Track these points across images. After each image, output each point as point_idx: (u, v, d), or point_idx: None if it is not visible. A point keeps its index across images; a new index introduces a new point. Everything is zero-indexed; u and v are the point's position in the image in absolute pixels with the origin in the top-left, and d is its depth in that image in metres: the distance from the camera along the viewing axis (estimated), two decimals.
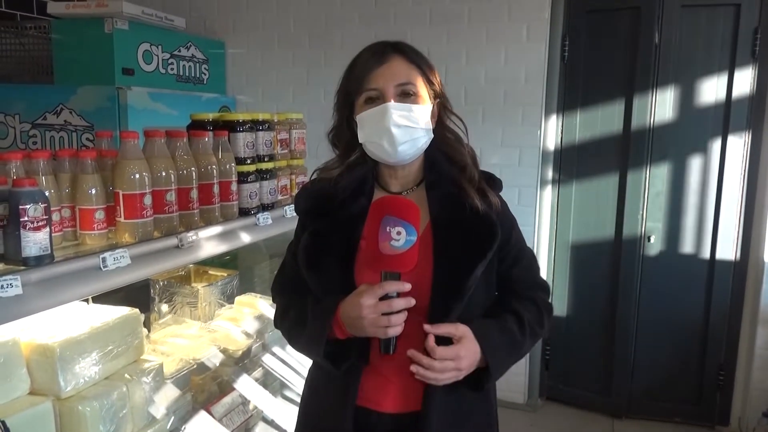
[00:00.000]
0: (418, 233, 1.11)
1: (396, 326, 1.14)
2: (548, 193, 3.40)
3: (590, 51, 3.27)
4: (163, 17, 3.19)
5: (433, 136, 1.28)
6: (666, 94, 3.14)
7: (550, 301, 1.40)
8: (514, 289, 1.34)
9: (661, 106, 3.15)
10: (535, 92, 3.26)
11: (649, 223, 3.24)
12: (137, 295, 2.29)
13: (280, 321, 1.38)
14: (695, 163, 3.17)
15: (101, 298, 1.73)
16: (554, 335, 3.52)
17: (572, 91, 3.33)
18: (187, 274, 2.48)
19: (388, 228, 1.10)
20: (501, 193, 1.33)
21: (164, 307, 2.29)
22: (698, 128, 3.14)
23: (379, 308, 1.13)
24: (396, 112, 1.20)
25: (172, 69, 3.32)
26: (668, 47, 3.10)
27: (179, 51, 3.36)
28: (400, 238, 1.10)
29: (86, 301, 1.74)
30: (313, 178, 1.38)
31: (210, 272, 2.49)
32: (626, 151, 3.22)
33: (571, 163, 3.38)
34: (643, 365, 3.34)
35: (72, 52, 3.02)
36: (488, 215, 1.25)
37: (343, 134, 1.31)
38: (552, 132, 3.35)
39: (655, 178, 3.21)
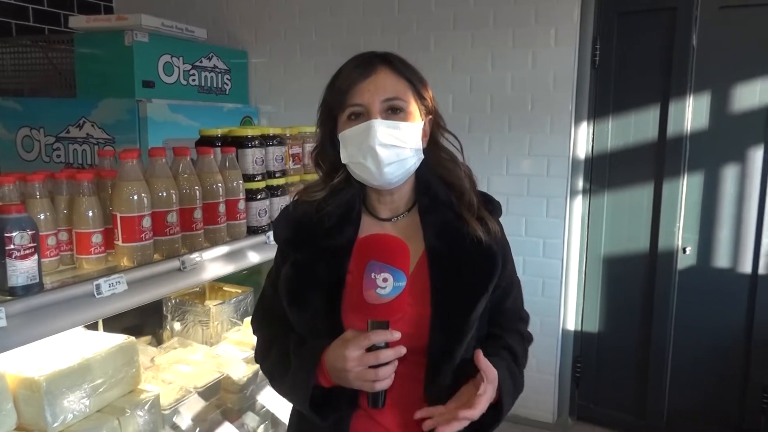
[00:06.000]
0: (407, 277, 1.00)
1: (384, 380, 1.02)
2: (578, 204, 3.25)
3: (622, 54, 3.11)
4: (184, 28, 3.17)
5: (423, 156, 1.16)
6: (703, 99, 2.97)
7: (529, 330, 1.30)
8: (500, 321, 1.22)
9: (699, 111, 2.98)
10: (564, 98, 3.12)
11: (685, 235, 3.07)
12: (149, 314, 2.26)
13: (261, 359, 1.25)
14: (735, 172, 2.98)
15: (106, 319, 1.69)
16: (585, 352, 3.37)
17: (603, 96, 3.18)
18: (201, 290, 2.44)
19: (372, 275, 0.98)
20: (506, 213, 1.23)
21: (176, 326, 2.25)
22: (738, 135, 2.95)
23: (366, 360, 1.01)
24: (381, 129, 1.09)
25: (193, 80, 3.30)
26: (706, 50, 2.93)
27: (201, 62, 3.34)
28: (387, 285, 0.97)
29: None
30: (294, 199, 1.25)
31: (224, 288, 2.44)
32: (662, 160, 3.06)
33: (603, 173, 3.23)
34: (680, 385, 3.16)
35: (93, 65, 3.03)
36: (490, 246, 1.14)
37: (327, 153, 1.20)
38: (582, 140, 3.20)
39: (693, 187, 3.04)
